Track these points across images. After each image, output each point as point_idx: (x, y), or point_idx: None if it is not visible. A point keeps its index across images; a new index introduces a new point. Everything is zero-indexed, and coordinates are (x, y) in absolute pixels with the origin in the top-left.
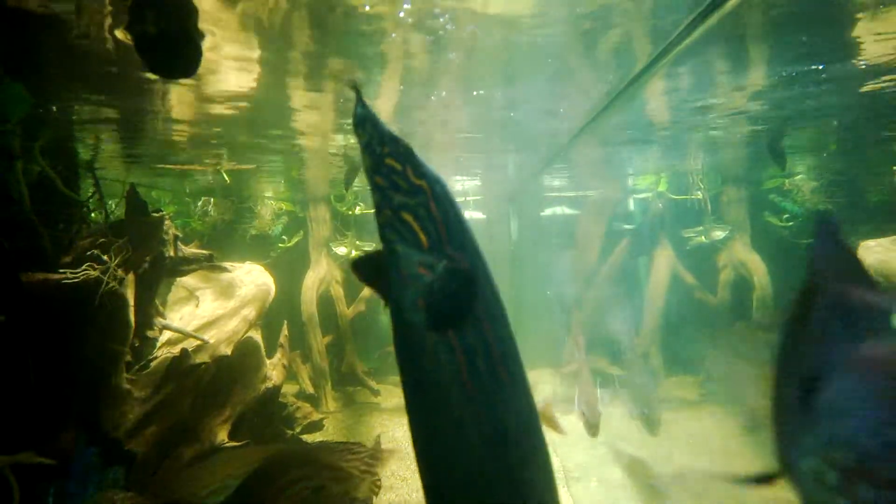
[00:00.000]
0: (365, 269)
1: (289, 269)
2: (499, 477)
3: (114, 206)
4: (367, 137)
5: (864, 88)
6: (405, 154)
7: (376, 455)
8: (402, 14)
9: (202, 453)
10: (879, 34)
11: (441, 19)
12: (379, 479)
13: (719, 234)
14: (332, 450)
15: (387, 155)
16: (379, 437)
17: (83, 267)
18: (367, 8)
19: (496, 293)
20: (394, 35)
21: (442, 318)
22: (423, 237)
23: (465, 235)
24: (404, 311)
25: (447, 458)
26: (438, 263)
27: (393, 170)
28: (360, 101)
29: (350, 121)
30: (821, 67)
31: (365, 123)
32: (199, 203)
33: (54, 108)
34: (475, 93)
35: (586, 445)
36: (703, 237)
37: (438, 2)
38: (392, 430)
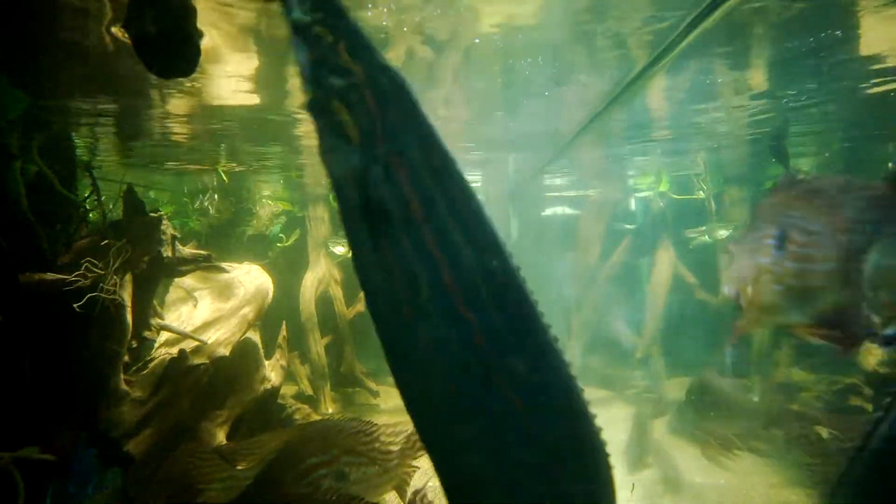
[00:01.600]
0: None
1: (287, 269)
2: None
3: (112, 205)
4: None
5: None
6: (342, 29)
7: (410, 441)
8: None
9: None
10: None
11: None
12: (410, 470)
13: (723, 234)
14: (350, 431)
15: (317, 22)
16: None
17: (76, 274)
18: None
19: (475, 215)
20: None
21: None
22: (352, 131)
23: (409, 130)
24: (350, 213)
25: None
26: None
27: (320, 40)
28: None
29: None
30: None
31: None
32: (202, 196)
33: (51, 107)
34: (476, 87)
35: None
36: (706, 237)
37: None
38: None
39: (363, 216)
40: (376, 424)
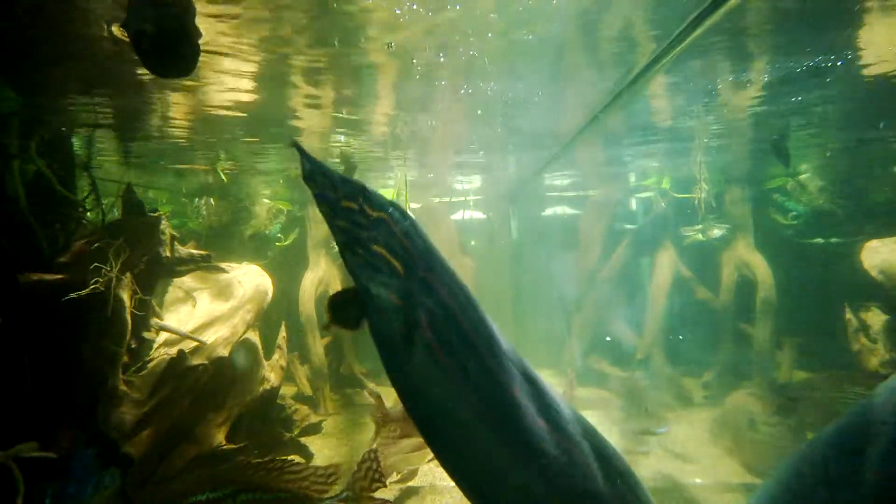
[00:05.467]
0: (342, 309)
1: (287, 269)
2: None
3: (111, 205)
4: (319, 187)
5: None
6: (358, 191)
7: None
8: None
9: (200, 455)
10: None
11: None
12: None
13: (717, 233)
14: (266, 469)
15: (342, 198)
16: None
17: (75, 275)
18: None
19: (471, 306)
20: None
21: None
22: (397, 264)
23: (431, 253)
24: (394, 342)
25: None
26: (413, 295)
27: (350, 210)
28: (304, 156)
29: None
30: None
31: (314, 175)
32: (200, 200)
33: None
34: (476, 87)
35: None
36: (700, 235)
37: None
38: None
39: (409, 327)
40: (303, 463)
